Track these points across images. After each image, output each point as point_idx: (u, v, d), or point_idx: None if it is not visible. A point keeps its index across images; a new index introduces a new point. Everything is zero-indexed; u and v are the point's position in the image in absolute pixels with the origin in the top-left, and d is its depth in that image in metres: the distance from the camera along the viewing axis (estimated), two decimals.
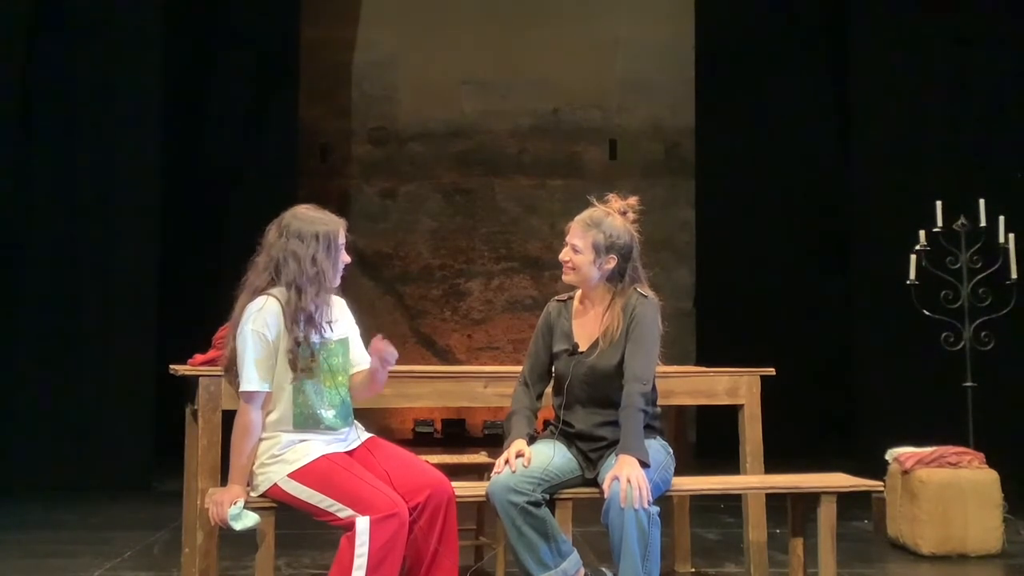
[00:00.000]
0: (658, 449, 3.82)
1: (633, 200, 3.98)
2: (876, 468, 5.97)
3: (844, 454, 8.38)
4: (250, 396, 3.59)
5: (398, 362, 3.77)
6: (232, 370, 3.66)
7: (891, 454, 6.02)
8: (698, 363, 8.63)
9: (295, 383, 3.60)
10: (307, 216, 3.71)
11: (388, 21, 11.57)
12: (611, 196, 3.98)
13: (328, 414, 3.65)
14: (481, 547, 5.03)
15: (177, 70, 9.04)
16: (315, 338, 3.62)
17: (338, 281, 3.75)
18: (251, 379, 3.57)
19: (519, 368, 4.06)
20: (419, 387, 4.61)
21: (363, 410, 3.90)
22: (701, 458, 8.35)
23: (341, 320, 3.76)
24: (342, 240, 3.73)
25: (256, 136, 9.70)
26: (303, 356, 3.58)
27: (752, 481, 4.59)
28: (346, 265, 3.76)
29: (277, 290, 3.63)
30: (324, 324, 3.65)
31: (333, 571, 3.48)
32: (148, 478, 8.01)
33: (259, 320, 3.58)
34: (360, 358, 3.78)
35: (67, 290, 8.16)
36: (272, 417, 3.63)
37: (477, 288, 11.75)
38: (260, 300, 3.62)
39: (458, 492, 3.71)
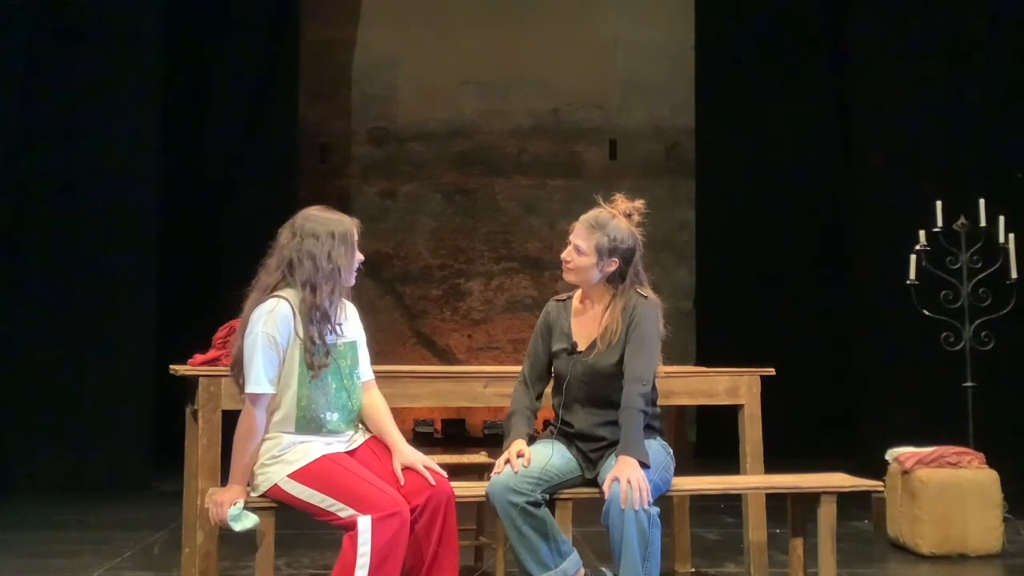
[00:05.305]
0: (658, 449, 3.82)
1: (640, 203, 3.97)
2: (876, 468, 5.97)
3: (844, 454, 8.37)
4: (256, 398, 3.58)
5: (398, 362, 3.78)
6: (238, 369, 3.65)
7: (891, 454, 6.02)
8: (698, 363, 8.63)
9: (309, 381, 3.59)
10: (320, 216, 3.70)
11: (388, 21, 11.57)
12: (618, 196, 3.97)
13: (332, 416, 3.64)
14: (481, 547, 5.03)
15: (177, 70, 9.04)
16: (329, 338, 3.62)
17: (353, 280, 3.75)
18: (258, 381, 3.56)
19: (519, 368, 4.06)
20: (419, 387, 4.61)
21: None
22: (701, 458, 8.33)
23: (349, 323, 3.75)
24: (356, 238, 3.73)
25: (256, 136, 9.70)
26: (319, 354, 3.58)
27: (752, 481, 4.59)
28: (360, 263, 3.76)
29: (288, 291, 3.62)
30: (336, 325, 3.65)
31: (336, 570, 3.48)
32: (148, 478, 8.02)
33: (270, 322, 3.56)
34: (364, 367, 3.78)
35: (67, 290, 8.15)
36: (275, 418, 3.62)
37: (477, 288, 11.75)
38: (271, 302, 3.59)
39: (458, 492, 3.70)
